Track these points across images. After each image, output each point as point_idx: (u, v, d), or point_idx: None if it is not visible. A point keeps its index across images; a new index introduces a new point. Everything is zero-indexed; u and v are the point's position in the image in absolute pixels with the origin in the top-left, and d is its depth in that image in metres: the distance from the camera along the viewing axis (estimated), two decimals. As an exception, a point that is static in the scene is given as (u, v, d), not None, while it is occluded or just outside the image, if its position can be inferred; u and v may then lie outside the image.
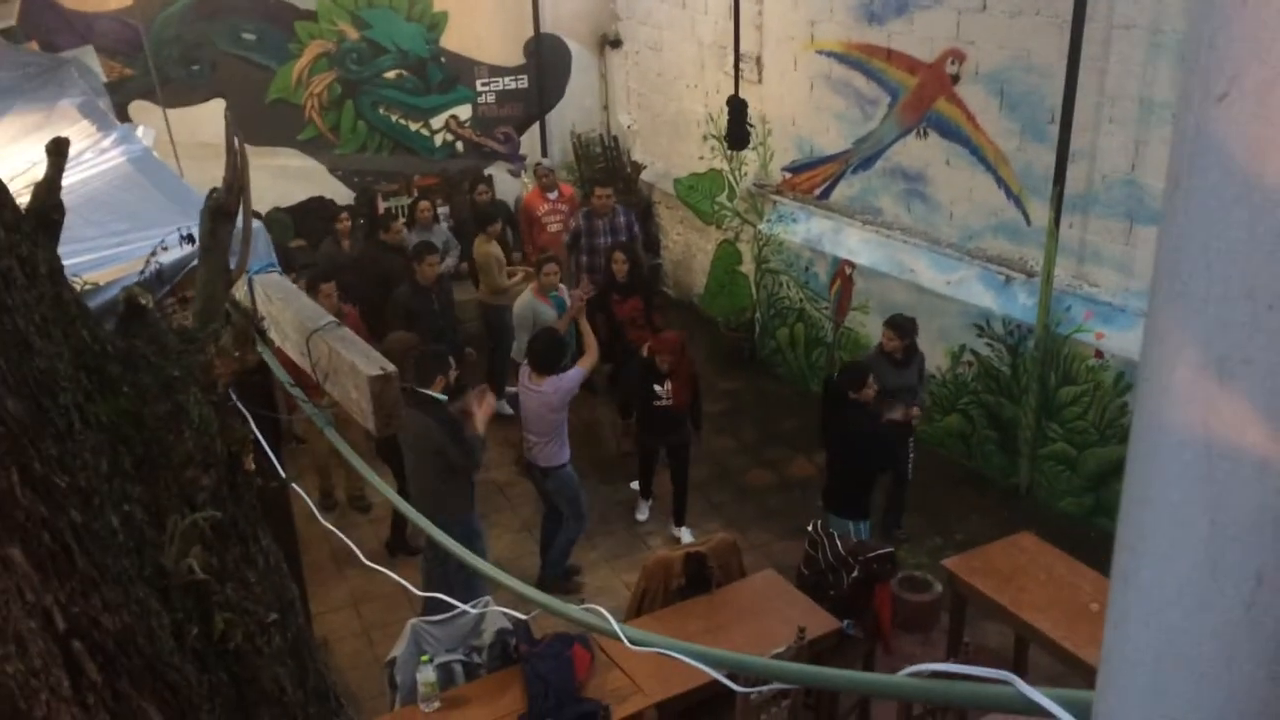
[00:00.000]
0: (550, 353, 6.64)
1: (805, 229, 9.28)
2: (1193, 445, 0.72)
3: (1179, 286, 0.72)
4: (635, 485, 8.04)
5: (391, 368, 2.78)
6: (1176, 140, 0.72)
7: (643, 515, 7.75)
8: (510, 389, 9.05)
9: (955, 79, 7.76)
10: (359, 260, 9.33)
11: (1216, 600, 0.72)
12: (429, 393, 5.80)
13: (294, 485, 3.35)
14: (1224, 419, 0.70)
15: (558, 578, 6.97)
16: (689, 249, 11.13)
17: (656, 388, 7.09)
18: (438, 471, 5.99)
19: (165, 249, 3.39)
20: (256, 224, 3.28)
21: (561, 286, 8.13)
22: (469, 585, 5.78)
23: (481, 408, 6.11)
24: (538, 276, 8.01)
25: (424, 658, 5.10)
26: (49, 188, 2.07)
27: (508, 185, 11.43)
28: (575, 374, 6.65)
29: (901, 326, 6.95)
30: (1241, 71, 0.66)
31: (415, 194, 10.87)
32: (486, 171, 11.12)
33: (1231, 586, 0.71)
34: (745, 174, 10.06)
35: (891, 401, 6.67)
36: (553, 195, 9.74)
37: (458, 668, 5.33)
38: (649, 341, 7.42)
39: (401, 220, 9.33)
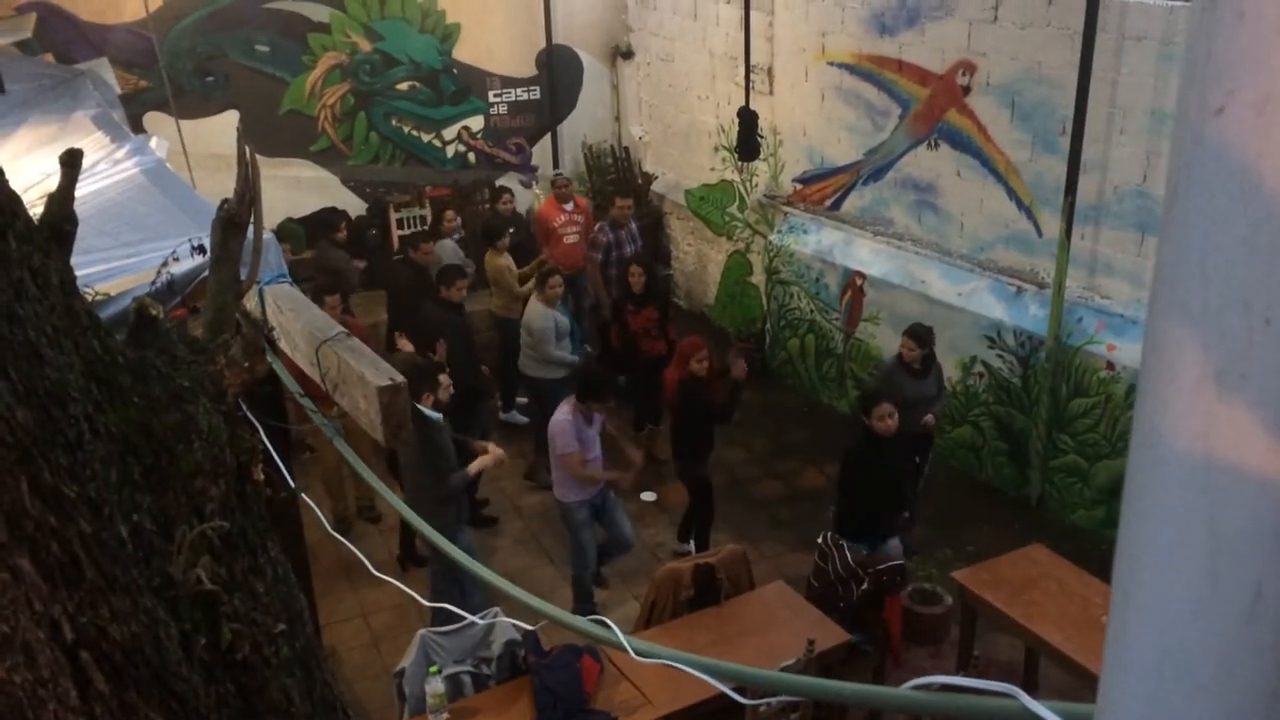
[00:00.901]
0: (592, 384, 6.54)
1: (816, 240, 9.27)
2: (1191, 458, 0.72)
3: (1177, 298, 0.72)
4: (646, 496, 8.04)
5: (400, 378, 2.79)
6: (1174, 152, 0.73)
7: (689, 547, 7.38)
8: (521, 399, 9.05)
9: (966, 90, 7.76)
10: (386, 279, 9.35)
11: (1216, 613, 0.72)
12: (417, 406, 5.86)
13: (303, 495, 3.36)
14: (1222, 432, 0.70)
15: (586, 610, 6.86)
16: (700, 260, 11.14)
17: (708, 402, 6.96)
18: (424, 483, 6.04)
19: (177, 260, 3.42)
20: (267, 235, 3.30)
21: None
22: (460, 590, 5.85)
23: (485, 457, 6.19)
24: (541, 290, 7.95)
25: (433, 669, 5.10)
26: (62, 199, 2.08)
27: (519, 196, 11.46)
28: (570, 434, 6.40)
29: (920, 335, 6.92)
30: (1238, 85, 0.66)
31: (427, 205, 10.92)
32: (500, 183, 11.14)
33: (1231, 599, 0.71)
34: (756, 185, 10.07)
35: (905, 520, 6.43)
36: (569, 207, 9.71)
37: (466, 679, 5.33)
38: (673, 362, 7.23)
39: (432, 243, 9.02)
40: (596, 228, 9.44)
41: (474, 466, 6.15)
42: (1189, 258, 0.70)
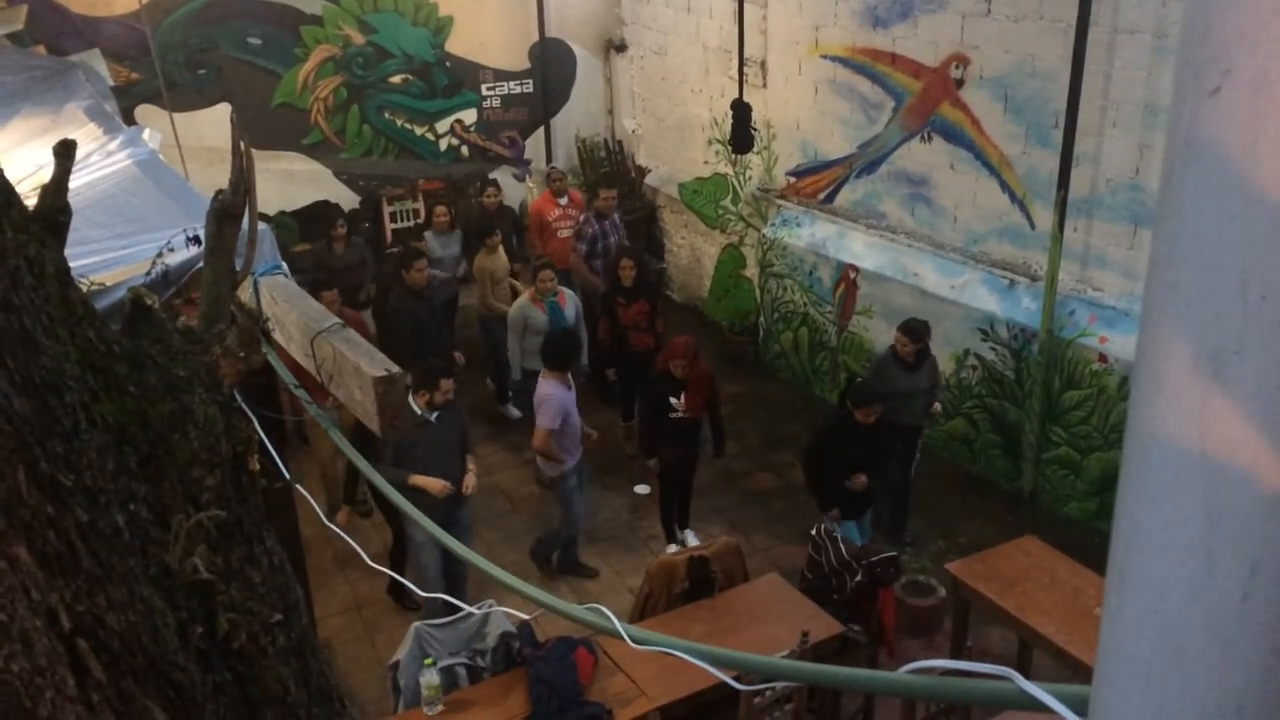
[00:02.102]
0: (559, 351, 6.75)
1: (809, 233, 9.28)
2: (1187, 437, 0.72)
3: (1172, 279, 0.72)
4: (639, 489, 8.04)
5: (396, 369, 2.79)
6: (1170, 134, 0.73)
7: (673, 548, 7.24)
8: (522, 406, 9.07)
9: (959, 83, 7.77)
10: (382, 311, 9.20)
11: (1212, 592, 0.72)
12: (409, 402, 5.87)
13: (298, 487, 3.36)
14: (1218, 411, 0.70)
15: (540, 563, 7.13)
16: (693, 253, 11.14)
17: (673, 400, 6.84)
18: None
19: (171, 251, 3.41)
20: (262, 226, 3.30)
21: (563, 290, 8.12)
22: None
23: (428, 479, 6.00)
24: (533, 282, 7.96)
25: (427, 661, 5.11)
26: (56, 189, 2.08)
27: (513, 190, 11.45)
28: (555, 409, 6.53)
29: (915, 331, 6.90)
30: (1234, 65, 0.67)
31: (420, 198, 10.90)
32: (491, 175, 11.12)
33: (1227, 578, 0.72)
34: (749, 178, 10.07)
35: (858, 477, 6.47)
36: (563, 201, 9.69)
37: (461, 671, 5.34)
38: (660, 352, 7.22)
39: (425, 261, 8.42)
40: (582, 219, 9.40)
41: (416, 480, 5.92)
42: (1185, 238, 0.71)
